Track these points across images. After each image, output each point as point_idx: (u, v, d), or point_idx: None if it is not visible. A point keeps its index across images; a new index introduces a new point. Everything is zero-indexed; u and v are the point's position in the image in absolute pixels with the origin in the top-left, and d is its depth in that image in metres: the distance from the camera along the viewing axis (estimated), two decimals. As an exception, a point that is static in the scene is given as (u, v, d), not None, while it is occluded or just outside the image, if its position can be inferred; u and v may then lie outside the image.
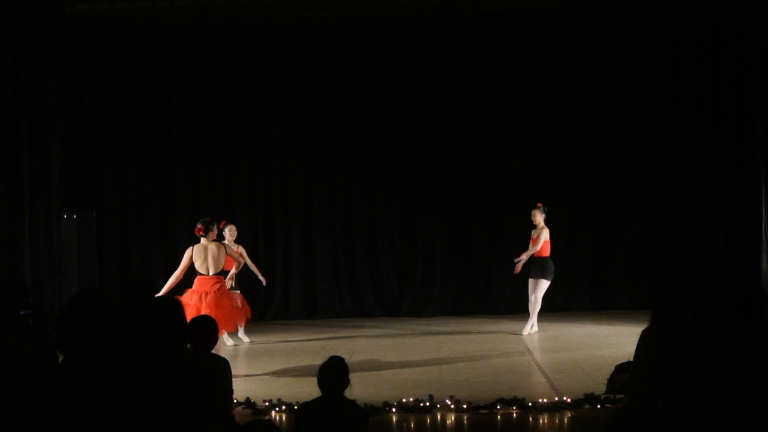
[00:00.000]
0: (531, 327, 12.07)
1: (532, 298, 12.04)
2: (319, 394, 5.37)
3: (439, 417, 7.66)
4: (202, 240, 10.20)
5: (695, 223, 14.45)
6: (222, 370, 5.49)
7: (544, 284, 11.99)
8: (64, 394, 3.10)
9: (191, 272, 10.30)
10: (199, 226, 10.28)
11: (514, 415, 7.64)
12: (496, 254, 14.59)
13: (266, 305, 14.70)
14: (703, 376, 4.25)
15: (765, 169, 14.12)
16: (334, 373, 5.35)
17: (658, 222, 14.51)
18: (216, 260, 10.12)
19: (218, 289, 10.03)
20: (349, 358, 9.28)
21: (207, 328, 5.63)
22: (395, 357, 10.61)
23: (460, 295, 14.63)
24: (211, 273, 10.10)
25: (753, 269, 13.92)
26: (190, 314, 9.56)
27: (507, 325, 13.10)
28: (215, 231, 10.34)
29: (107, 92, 14.59)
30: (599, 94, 14.39)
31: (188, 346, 5.05)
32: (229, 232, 11.88)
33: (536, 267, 12.03)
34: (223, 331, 10.15)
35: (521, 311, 14.19)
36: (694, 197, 14.47)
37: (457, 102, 14.51)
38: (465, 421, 7.55)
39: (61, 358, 3.32)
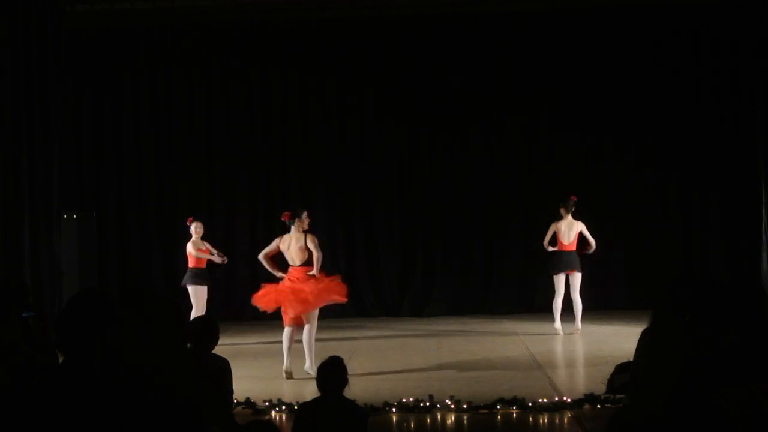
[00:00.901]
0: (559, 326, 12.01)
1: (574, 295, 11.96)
2: (319, 394, 5.37)
3: (439, 417, 7.67)
4: (292, 229, 9.70)
5: (695, 223, 14.45)
6: (222, 370, 5.49)
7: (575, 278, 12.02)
8: (64, 394, 3.10)
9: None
10: (285, 213, 9.86)
11: (514, 415, 7.65)
12: (497, 254, 14.61)
13: (266, 305, 14.70)
14: (703, 377, 4.24)
15: (765, 169, 14.12)
16: (333, 373, 5.35)
17: (658, 222, 14.50)
18: (296, 251, 9.60)
19: (302, 279, 9.50)
20: (349, 358, 9.28)
21: (207, 328, 5.63)
22: (395, 357, 10.61)
23: (460, 295, 14.63)
24: (296, 264, 9.63)
25: (753, 269, 13.92)
26: (270, 297, 9.56)
27: (507, 325, 13.11)
28: (304, 220, 9.71)
29: (107, 92, 14.60)
30: (599, 94, 14.37)
31: (188, 346, 5.05)
32: (195, 230, 11.79)
33: (574, 260, 11.96)
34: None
35: (521, 311, 14.25)
36: (694, 197, 14.47)
37: (457, 101, 14.51)
38: (465, 421, 7.56)
39: (61, 359, 3.32)
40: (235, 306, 14.61)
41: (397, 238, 14.74)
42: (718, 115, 14.33)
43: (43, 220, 11.84)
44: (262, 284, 10.02)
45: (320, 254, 9.67)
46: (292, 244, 9.65)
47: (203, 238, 11.99)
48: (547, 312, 14.03)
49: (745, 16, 13.95)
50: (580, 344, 11.26)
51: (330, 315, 14.27)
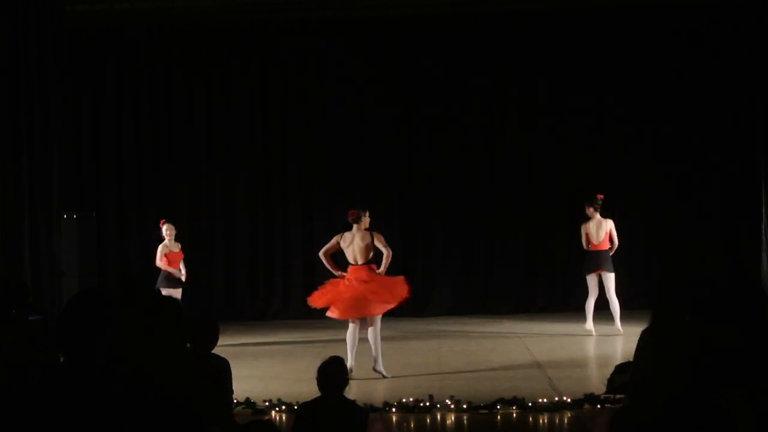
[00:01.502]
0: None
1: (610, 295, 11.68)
2: (319, 394, 5.37)
3: (439, 417, 7.67)
4: (353, 227, 9.58)
5: (695, 224, 14.44)
6: (222, 370, 5.48)
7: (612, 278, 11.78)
8: (64, 394, 3.10)
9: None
10: (351, 211, 9.68)
11: (514, 415, 7.65)
12: (497, 254, 14.61)
13: (266, 305, 14.71)
14: (703, 377, 4.25)
15: (765, 169, 14.11)
16: (333, 373, 5.35)
17: (658, 222, 14.50)
18: (362, 249, 9.51)
19: (364, 277, 9.42)
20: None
21: (207, 328, 5.62)
22: (395, 357, 10.61)
23: (460, 295, 14.62)
24: (359, 262, 9.49)
25: (753, 269, 13.91)
26: (331, 298, 9.46)
27: (507, 325, 13.11)
28: (367, 220, 9.61)
29: (107, 92, 14.61)
30: (599, 94, 14.37)
31: (188, 346, 5.06)
32: (167, 232, 11.74)
33: (604, 260, 11.78)
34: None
35: (522, 311, 14.24)
36: (694, 197, 14.47)
37: (457, 101, 14.51)
38: (465, 421, 7.56)
39: (61, 359, 3.32)
40: (235, 306, 14.64)
41: (397, 238, 14.70)
42: (718, 115, 14.32)
43: (43, 220, 11.83)
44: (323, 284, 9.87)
45: (390, 252, 9.58)
46: (356, 241, 9.51)
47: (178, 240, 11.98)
48: (547, 312, 14.09)
49: (745, 16, 13.95)
50: (580, 344, 11.26)
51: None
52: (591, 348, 10.91)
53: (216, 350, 5.61)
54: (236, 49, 14.57)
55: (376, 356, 9.36)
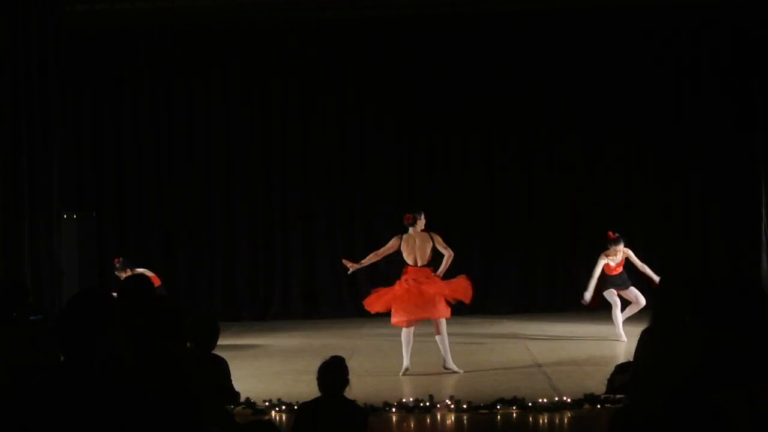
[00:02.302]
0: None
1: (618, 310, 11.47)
2: (319, 394, 5.37)
3: (439, 417, 7.66)
4: (410, 230, 9.75)
5: (695, 224, 14.45)
6: (222, 370, 5.49)
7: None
8: (64, 394, 3.10)
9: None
10: (407, 215, 9.83)
11: (514, 415, 7.64)
12: (497, 254, 14.60)
13: (266, 305, 14.70)
14: (703, 377, 4.24)
15: (765, 169, 14.12)
16: (334, 372, 5.35)
17: (658, 222, 14.50)
18: (422, 251, 9.62)
19: (423, 279, 9.48)
20: (349, 358, 9.27)
21: (207, 328, 5.62)
22: (395, 357, 10.59)
23: (460, 295, 14.60)
24: (419, 264, 9.58)
25: (753, 269, 13.91)
26: (388, 299, 9.56)
27: (507, 325, 13.11)
28: (423, 221, 9.84)
29: (107, 92, 14.61)
30: (599, 94, 14.37)
31: (188, 345, 5.06)
32: (118, 267, 11.29)
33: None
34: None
35: (522, 311, 14.23)
36: (694, 197, 14.48)
37: (457, 102, 14.51)
38: (465, 421, 7.55)
39: (61, 359, 3.32)
40: (236, 306, 14.64)
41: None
42: (718, 115, 14.32)
43: (43, 220, 11.83)
44: (374, 289, 10.05)
45: (451, 253, 9.69)
46: (417, 243, 9.63)
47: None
48: (547, 312, 14.09)
49: (745, 16, 13.95)
50: (579, 344, 11.25)
51: (330, 315, 14.35)
52: (591, 348, 10.90)
53: (216, 350, 5.61)
54: (236, 49, 14.57)
55: (445, 355, 9.44)
